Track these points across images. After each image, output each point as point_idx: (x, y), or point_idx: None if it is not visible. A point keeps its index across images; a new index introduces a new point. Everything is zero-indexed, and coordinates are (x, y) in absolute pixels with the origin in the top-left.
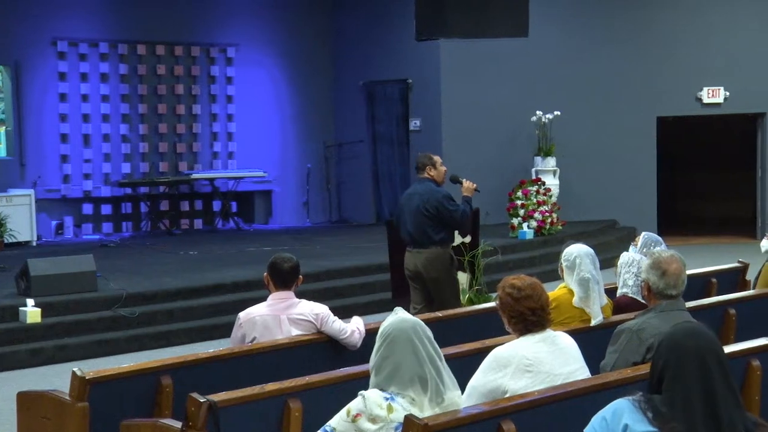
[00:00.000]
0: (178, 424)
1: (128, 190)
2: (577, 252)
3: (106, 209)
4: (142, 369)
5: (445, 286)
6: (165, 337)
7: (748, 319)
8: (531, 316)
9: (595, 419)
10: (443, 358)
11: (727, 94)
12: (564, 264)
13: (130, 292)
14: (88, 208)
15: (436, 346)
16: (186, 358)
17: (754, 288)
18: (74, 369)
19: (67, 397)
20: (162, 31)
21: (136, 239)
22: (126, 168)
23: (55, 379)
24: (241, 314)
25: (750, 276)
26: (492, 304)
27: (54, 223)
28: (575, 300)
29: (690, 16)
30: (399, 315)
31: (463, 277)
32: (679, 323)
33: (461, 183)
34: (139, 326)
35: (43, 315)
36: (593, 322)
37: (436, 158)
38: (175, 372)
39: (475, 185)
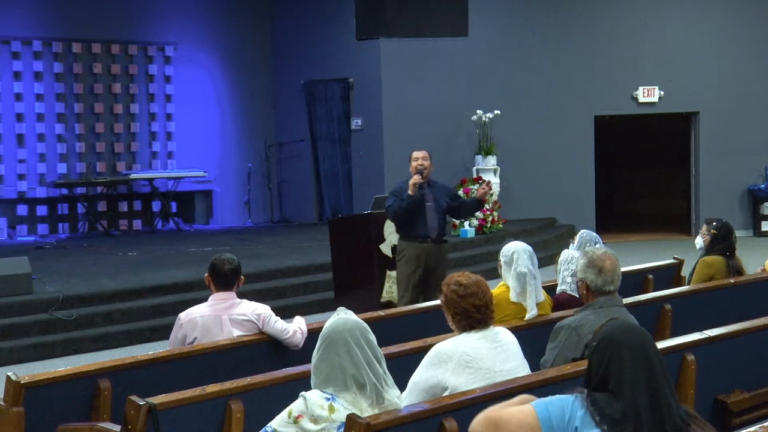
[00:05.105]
0: (116, 428)
1: (65, 191)
2: (515, 248)
3: (41, 210)
4: (80, 372)
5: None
6: (103, 340)
7: (683, 314)
8: (475, 313)
9: (555, 401)
10: (384, 360)
11: (662, 93)
12: (502, 260)
13: (66, 295)
14: (22, 209)
15: (377, 348)
16: (125, 361)
17: (689, 284)
18: (9, 373)
19: (2, 402)
20: (98, 29)
21: (73, 241)
22: (62, 168)
23: None
24: (182, 314)
25: (685, 272)
26: (433, 303)
27: None
28: (512, 295)
29: (626, 17)
30: (340, 316)
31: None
32: (609, 321)
33: None
34: (77, 329)
35: None
36: (527, 316)
37: (414, 154)
38: (114, 375)
39: (414, 179)
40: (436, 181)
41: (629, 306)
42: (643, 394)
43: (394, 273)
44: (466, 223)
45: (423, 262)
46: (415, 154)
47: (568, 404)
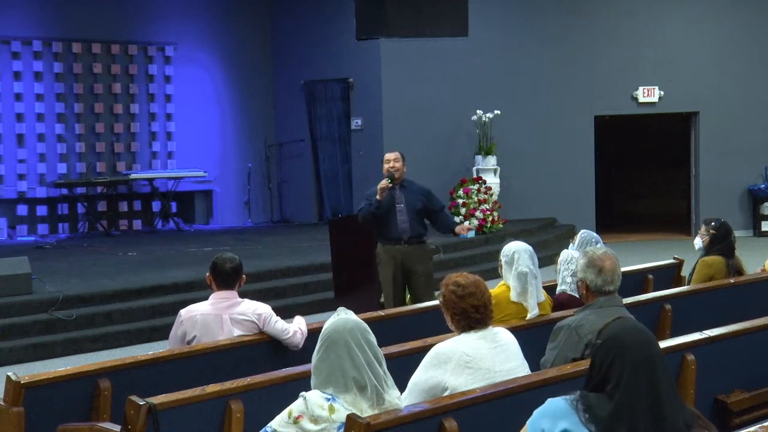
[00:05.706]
0: (116, 428)
1: (65, 191)
2: (515, 248)
3: (41, 210)
4: (80, 372)
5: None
6: (103, 340)
7: (683, 314)
8: (474, 314)
9: (532, 425)
10: (384, 361)
11: (662, 93)
12: (503, 260)
13: (66, 295)
14: (22, 209)
15: (377, 349)
16: (125, 361)
17: (688, 284)
18: (9, 373)
19: (2, 402)
20: (98, 29)
21: (73, 241)
22: (62, 168)
23: None
24: (183, 311)
25: (685, 272)
26: (432, 303)
27: None
28: (512, 294)
29: (626, 17)
30: (340, 316)
31: None
32: (612, 321)
33: None
34: (77, 329)
35: None
36: (529, 316)
37: (386, 156)
38: (114, 375)
39: (381, 184)
40: (412, 181)
41: (629, 306)
42: (643, 396)
43: None
44: (466, 223)
45: (399, 263)
46: (387, 156)
47: (556, 412)
